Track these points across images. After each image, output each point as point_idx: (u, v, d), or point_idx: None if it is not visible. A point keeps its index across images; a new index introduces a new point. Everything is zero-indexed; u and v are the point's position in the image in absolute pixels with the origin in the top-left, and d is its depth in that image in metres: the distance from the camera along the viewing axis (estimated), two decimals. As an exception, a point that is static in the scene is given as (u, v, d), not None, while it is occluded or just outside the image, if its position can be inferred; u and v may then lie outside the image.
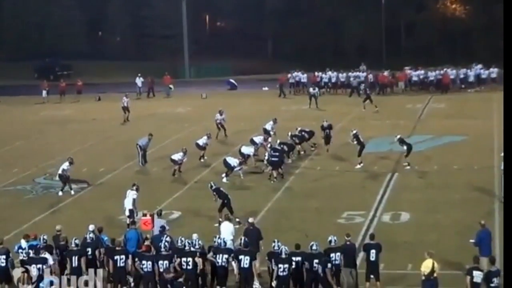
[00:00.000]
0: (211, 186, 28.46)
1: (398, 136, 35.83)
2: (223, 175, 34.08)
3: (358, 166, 36.05)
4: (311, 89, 56.37)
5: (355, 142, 36.28)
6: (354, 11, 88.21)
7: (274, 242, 21.85)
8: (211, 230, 25.72)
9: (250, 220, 24.30)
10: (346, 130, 41.11)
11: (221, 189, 28.44)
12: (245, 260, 21.18)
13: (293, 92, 63.98)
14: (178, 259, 21.28)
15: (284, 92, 62.57)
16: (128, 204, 27.83)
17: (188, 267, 21.14)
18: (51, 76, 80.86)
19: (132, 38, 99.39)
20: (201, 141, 38.64)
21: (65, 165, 33.53)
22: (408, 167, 35.27)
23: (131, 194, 28.03)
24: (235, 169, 34.22)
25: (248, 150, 36.70)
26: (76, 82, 66.88)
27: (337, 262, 21.13)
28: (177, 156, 35.91)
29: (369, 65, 67.78)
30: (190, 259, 21.19)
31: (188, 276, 21.03)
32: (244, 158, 35.78)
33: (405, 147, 35.43)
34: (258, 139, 38.34)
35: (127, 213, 27.59)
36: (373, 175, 34.97)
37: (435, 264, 19.90)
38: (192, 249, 21.44)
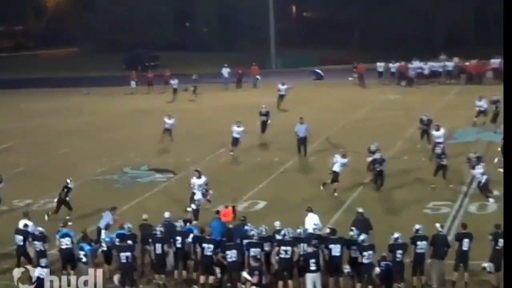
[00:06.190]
0: None
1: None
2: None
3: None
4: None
5: None
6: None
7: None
8: (295, 220, 25.58)
9: (360, 210, 24.13)
10: (435, 119, 40.46)
11: None
12: (335, 248, 21.09)
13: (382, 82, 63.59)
14: (277, 248, 21.30)
15: (364, 82, 62.26)
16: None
17: (287, 256, 21.13)
18: (139, 67, 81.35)
19: (218, 29, 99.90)
20: (234, 133, 38.66)
21: None
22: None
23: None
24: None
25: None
26: (164, 73, 67.57)
27: (422, 251, 20.93)
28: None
29: (457, 54, 66.71)
30: (289, 248, 21.15)
31: (285, 265, 21.09)
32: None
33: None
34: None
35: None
36: (459, 165, 34.42)
37: None
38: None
